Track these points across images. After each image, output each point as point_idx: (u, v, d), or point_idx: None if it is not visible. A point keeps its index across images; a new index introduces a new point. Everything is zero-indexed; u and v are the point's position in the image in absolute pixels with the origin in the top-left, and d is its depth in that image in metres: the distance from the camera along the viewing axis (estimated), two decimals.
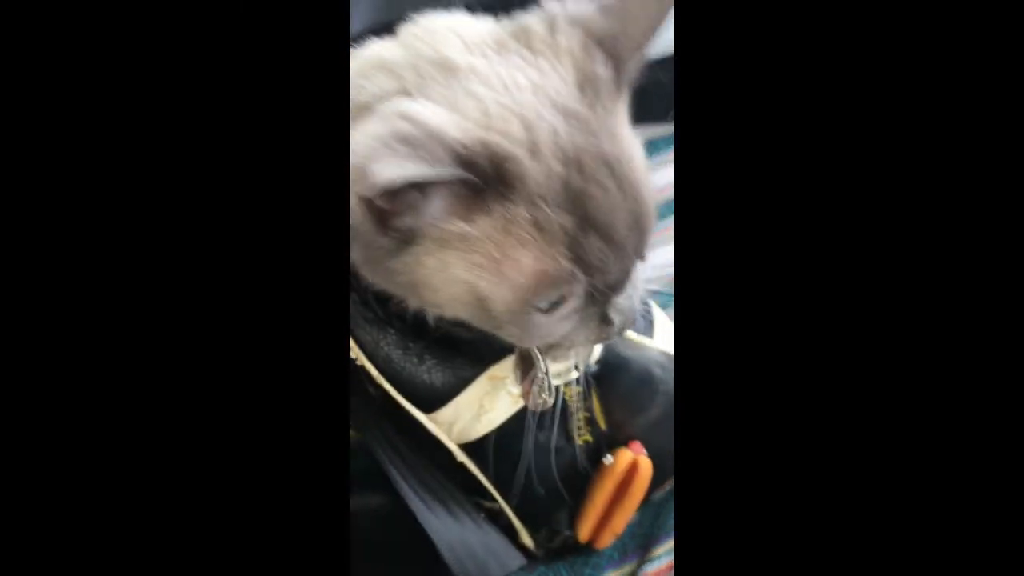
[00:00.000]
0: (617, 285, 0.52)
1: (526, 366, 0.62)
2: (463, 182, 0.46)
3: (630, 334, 0.68)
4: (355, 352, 0.62)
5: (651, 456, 0.66)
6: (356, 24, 0.60)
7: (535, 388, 0.61)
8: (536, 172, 0.47)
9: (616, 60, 0.51)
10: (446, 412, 0.63)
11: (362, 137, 0.44)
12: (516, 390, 0.63)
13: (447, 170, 0.44)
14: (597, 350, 0.65)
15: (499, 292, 0.49)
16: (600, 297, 0.52)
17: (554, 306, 0.50)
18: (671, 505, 0.73)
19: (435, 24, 0.53)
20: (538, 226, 0.47)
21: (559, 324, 0.52)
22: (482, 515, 0.67)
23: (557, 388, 0.62)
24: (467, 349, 0.61)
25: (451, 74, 0.49)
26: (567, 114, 0.48)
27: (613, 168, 0.49)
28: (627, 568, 0.73)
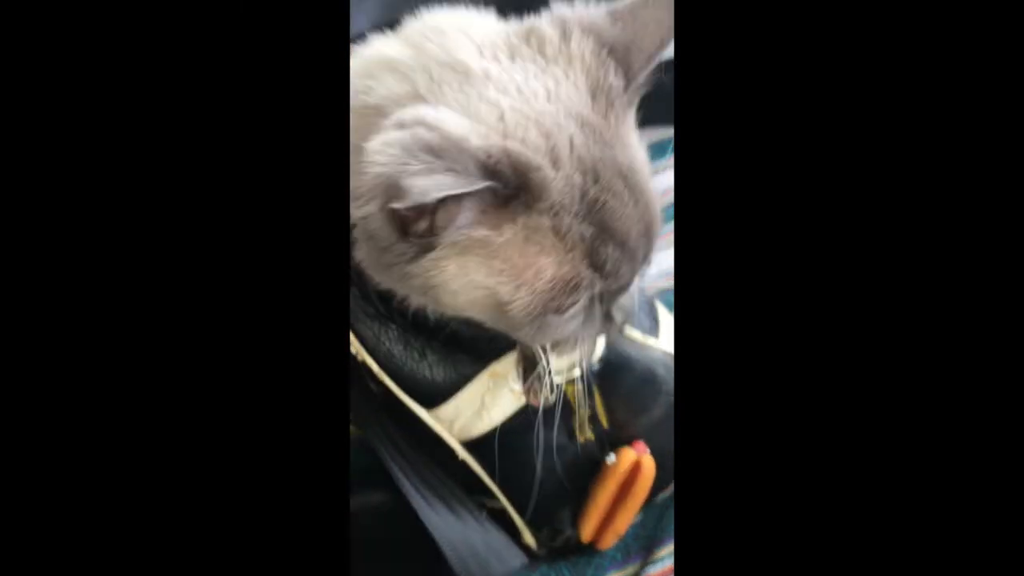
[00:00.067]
0: (626, 288, 0.53)
1: (528, 363, 0.62)
2: (492, 192, 0.46)
3: (635, 333, 0.68)
4: (356, 347, 0.62)
5: (654, 456, 0.66)
6: (362, 22, 0.60)
7: (537, 385, 0.61)
8: (558, 181, 0.47)
9: (627, 69, 0.51)
10: (447, 409, 0.63)
11: (383, 145, 0.44)
12: (518, 387, 0.63)
13: (480, 183, 0.44)
14: (600, 348, 0.65)
15: (519, 297, 0.50)
16: (607, 297, 0.52)
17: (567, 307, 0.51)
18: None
19: (442, 22, 0.53)
20: (559, 234, 0.48)
21: (568, 323, 0.53)
22: (484, 513, 0.67)
23: (559, 386, 0.62)
24: (468, 346, 0.61)
25: (465, 79, 0.49)
26: (582, 123, 0.49)
27: (626, 178, 0.50)
28: (630, 569, 0.73)
